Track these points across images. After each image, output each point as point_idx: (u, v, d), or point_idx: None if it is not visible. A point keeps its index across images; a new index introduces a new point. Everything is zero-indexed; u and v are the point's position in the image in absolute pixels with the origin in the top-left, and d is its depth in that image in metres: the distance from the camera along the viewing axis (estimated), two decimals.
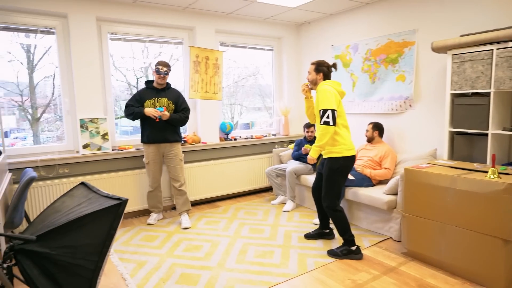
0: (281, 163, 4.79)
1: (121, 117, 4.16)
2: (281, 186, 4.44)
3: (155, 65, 3.50)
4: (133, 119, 3.53)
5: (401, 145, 3.91)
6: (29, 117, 3.66)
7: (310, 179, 4.08)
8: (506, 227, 2.24)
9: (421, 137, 3.71)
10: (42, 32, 3.53)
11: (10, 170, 3.23)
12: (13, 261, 1.50)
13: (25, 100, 3.56)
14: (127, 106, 3.52)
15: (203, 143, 4.44)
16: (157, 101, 3.52)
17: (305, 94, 3.07)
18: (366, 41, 4.19)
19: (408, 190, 2.80)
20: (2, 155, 2.62)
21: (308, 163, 4.24)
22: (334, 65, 2.97)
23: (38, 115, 3.69)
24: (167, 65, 3.53)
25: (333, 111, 2.71)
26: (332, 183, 2.85)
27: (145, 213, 4.00)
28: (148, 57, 4.31)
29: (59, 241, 1.49)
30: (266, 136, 5.06)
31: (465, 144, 3.09)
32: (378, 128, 3.80)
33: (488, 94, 2.82)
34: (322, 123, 2.73)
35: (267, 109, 5.38)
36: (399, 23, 3.81)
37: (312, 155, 2.81)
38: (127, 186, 3.87)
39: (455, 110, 3.05)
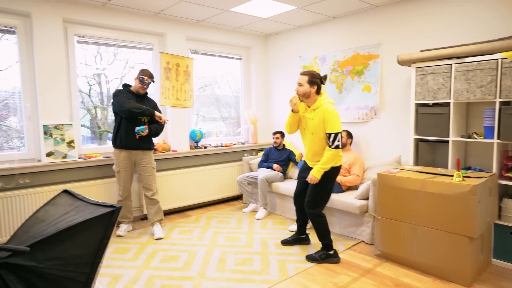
0: (251, 171, 4.81)
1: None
2: (252, 194, 4.45)
3: (140, 74, 3.40)
4: (135, 115, 3.29)
5: (368, 152, 4.11)
6: None
7: (282, 186, 4.14)
8: (471, 226, 2.44)
9: (386, 145, 3.93)
10: (1, 31, 3.28)
11: None
12: None
13: None
14: (124, 97, 3.29)
15: (173, 151, 4.34)
16: None
17: (296, 108, 2.90)
18: (334, 53, 4.39)
19: (381, 194, 2.95)
20: None
21: (278, 171, 4.37)
22: (325, 77, 2.90)
23: None
24: (152, 76, 3.46)
25: (341, 133, 2.77)
26: (327, 190, 2.91)
27: None
28: (101, 63, 4.10)
29: (48, 252, 1.38)
30: (235, 144, 5.07)
31: (428, 150, 3.34)
32: (351, 136, 3.98)
33: (447, 104, 3.08)
34: (334, 147, 2.74)
35: (223, 119, 5.37)
36: (365, 37, 4.05)
37: (317, 176, 2.80)
38: (95, 196, 3.65)
39: (419, 119, 3.28)
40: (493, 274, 2.69)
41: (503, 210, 2.81)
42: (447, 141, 3.11)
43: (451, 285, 2.52)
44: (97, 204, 1.58)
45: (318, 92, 2.84)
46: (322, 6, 3.85)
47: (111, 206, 1.53)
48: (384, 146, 3.96)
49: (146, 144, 3.46)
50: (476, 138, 2.96)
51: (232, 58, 5.19)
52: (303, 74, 2.86)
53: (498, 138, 2.79)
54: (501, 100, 2.75)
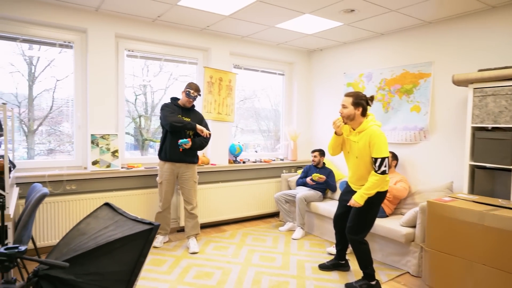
0: (289, 188, 4.70)
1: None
2: (289, 212, 4.33)
3: (186, 87, 3.46)
4: (177, 129, 3.34)
5: (414, 176, 3.85)
6: (25, 129, 3.53)
7: (321, 206, 3.99)
8: None
9: (436, 169, 3.66)
10: (61, 46, 3.50)
11: (17, 184, 3.10)
12: None
13: (22, 112, 3.47)
14: (169, 111, 3.37)
15: (212, 164, 4.35)
16: None
17: (339, 130, 2.78)
18: (381, 71, 4.21)
19: (431, 224, 2.72)
20: (14, 169, 2.50)
21: (315, 189, 4.22)
22: (372, 98, 2.73)
23: (34, 127, 3.56)
24: (198, 90, 3.50)
25: (388, 158, 2.61)
26: (371, 216, 2.74)
27: None
28: (148, 75, 4.23)
29: (86, 267, 1.37)
30: (274, 160, 4.99)
31: (487, 178, 3.05)
32: (396, 158, 3.76)
33: (511, 129, 2.80)
34: (380, 172, 2.58)
35: (262, 132, 5.31)
36: (415, 55, 3.85)
37: (359, 201, 2.65)
38: (135, 205, 3.73)
39: (476, 144, 3.02)
40: None
41: None
42: (509, 170, 2.82)
43: None
44: (136, 220, 1.56)
45: (363, 114, 2.69)
46: (370, 23, 3.73)
47: (150, 223, 1.51)
48: (433, 170, 3.69)
49: (189, 157, 3.48)
50: None
51: (275, 73, 5.17)
52: (347, 95, 2.72)
53: None
54: None
